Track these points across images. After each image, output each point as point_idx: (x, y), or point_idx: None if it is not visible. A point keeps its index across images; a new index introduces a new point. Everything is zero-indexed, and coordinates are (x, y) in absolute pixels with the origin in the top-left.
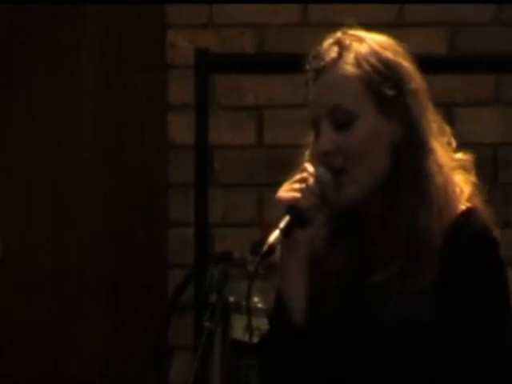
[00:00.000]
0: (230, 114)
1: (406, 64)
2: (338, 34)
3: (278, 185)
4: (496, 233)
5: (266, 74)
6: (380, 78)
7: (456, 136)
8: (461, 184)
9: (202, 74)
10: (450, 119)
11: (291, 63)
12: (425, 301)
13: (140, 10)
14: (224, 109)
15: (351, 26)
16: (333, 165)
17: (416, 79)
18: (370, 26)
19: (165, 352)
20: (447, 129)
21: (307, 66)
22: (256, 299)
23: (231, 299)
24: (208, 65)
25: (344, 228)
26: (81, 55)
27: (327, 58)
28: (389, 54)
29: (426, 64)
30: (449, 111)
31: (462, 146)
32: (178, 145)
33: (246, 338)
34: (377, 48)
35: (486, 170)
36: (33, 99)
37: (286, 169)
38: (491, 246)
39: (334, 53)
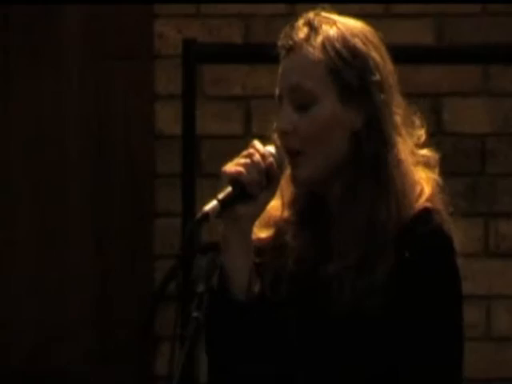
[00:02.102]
0: (218, 104)
1: (374, 54)
2: (310, 15)
3: (220, 179)
4: (450, 233)
5: (254, 64)
6: (344, 66)
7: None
8: (422, 182)
9: (189, 64)
10: (437, 110)
11: (278, 53)
12: (376, 295)
13: (128, 0)
14: (211, 99)
15: (326, 9)
16: (289, 145)
17: (382, 71)
18: (358, 17)
19: (151, 342)
20: (417, 123)
21: (278, 43)
22: None
23: None
24: (195, 55)
25: (310, 213)
26: (67, 45)
27: (296, 38)
28: (358, 42)
29: (414, 55)
30: (436, 102)
31: (448, 137)
32: (165, 135)
33: None
34: (346, 34)
35: (474, 161)
36: (14, 91)
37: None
38: (444, 247)
39: (302, 33)
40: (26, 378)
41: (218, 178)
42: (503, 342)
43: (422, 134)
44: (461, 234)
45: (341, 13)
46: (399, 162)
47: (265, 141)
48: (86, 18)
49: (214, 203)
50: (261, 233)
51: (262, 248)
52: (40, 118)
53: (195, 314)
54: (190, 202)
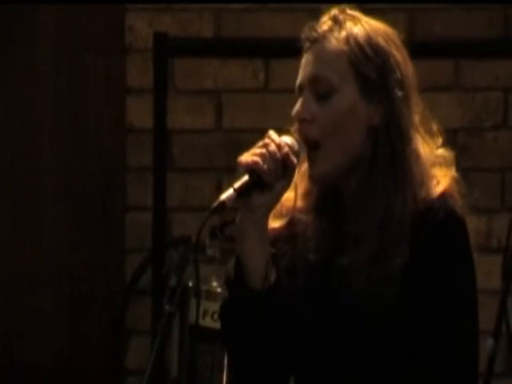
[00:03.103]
0: (189, 98)
1: (396, 53)
2: (336, 11)
3: (236, 169)
4: (465, 219)
5: (225, 58)
6: (366, 60)
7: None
8: (439, 177)
9: (160, 58)
10: None
11: (250, 47)
12: (392, 285)
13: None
14: (183, 93)
15: (350, 7)
16: (308, 134)
17: (403, 70)
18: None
19: (122, 336)
20: (434, 126)
21: (302, 36)
22: (215, 284)
23: (190, 284)
24: (167, 49)
25: (324, 205)
26: (38, 39)
27: (320, 30)
28: (380, 40)
29: None
30: None
31: None
32: (136, 129)
33: (204, 323)
34: (369, 31)
35: None
36: None
37: (244, 153)
38: (459, 232)
39: (326, 26)
40: None
41: (189, 172)
42: None
43: (438, 136)
44: None
45: (315, 9)
46: (417, 156)
47: (280, 132)
48: (57, 12)
49: (230, 192)
50: (274, 223)
51: (275, 238)
52: (11, 112)
53: (167, 308)
54: (161, 196)
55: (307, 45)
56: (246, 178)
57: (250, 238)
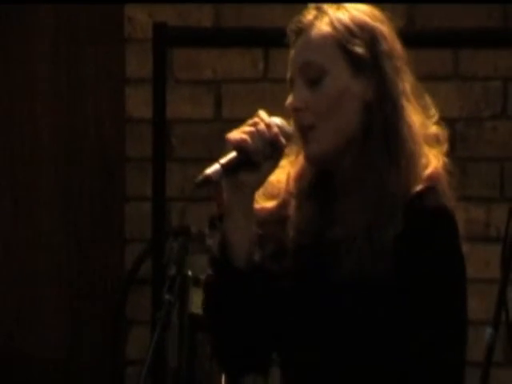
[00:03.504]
0: (188, 88)
1: (381, 26)
2: (319, 3)
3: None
4: (454, 210)
5: (225, 48)
6: (352, 37)
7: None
8: (430, 156)
9: (159, 48)
10: None
11: (249, 37)
12: (382, 262)
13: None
14: (182, 83)
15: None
16: (302, 122)
17: (390, 42)
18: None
19: (122, 326)
20: (427, 99)
21: (288, 30)
22: None
23: (189, 273)
24: (166, 39)
25: (316, 188)
26: (37, 29)
27: (304, 21)
28: (365, 17)
29: None
30: None
31: None
32: (135, 119)
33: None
34: (354, 12)
35: None
36: None
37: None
38: (447, 224)
39: (310, 15)
40: None
41: (188, 162)
42: (472, 326)
43: (432, 108)
44: None
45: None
46: (409, 126)
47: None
48: (57, 3)
49: (216, 167)
50: (265, 203)
51: (266, 219)
52: (11, 103)
53: (167, 297)
54: (161, 186)
55: (293, 38)
56: (233, 154)
57: (236, 216)
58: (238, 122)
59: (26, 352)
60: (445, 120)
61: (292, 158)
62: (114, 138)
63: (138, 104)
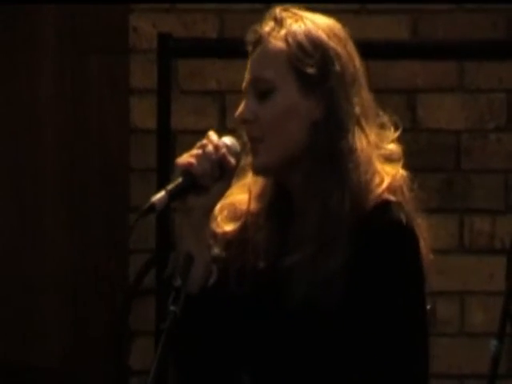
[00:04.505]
0: (193, 98)
1: (337, 47)
2: (277, 10)
3: (239, 170)
4: (411, 226)
5: (229, 59)
6: (304, 56)
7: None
8: (383, 174)
9: (164, 58)
10: (412, 106)
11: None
12: (332, 289)
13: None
14: (187, 93)
15: (295, 5)
16: (251, 134)
17: (344, 62)
18: (334, 13)
19: (126, 337)
20: (385, 119)
21: (246, 39)
22: None
23: None
24: (171, 49)
25: (276, 208)
26: (42, 39)
27: (261, 32)
28: (321, 34)
29: (389, 50)
30: (411, 98)
31: (423, 133)
32: (140, 129)
33: None
34: (310, 27)
35: (449, 157)
36: None
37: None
38: (402, 239)
39: (268, 27)
40: (0, 375)
41: None
42: (477, 338)
43: (390, 128)
44: (434, 230)
45: (315, 9)
46: (354, 149)
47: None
48: (61, 12)
49: (161, 194)
50: (227, 226)
51: (228, 241)
52: (16, 113)
53: (172, 308)
54: None
55: (250, 48)
56: (179, 179)
57: (188, 241)
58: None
59: (28, 362)
60: (449, 132)
61: (251, 178)
62: (118, 149)
63: (143, 114)
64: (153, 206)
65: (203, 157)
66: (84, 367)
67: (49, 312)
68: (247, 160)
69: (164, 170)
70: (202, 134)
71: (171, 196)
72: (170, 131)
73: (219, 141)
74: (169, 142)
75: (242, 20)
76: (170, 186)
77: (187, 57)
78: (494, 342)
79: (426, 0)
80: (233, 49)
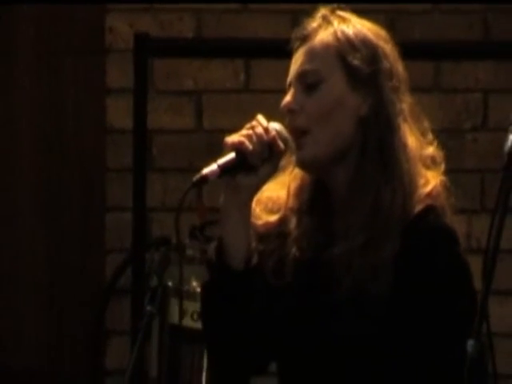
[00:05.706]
0: (169, 98)
1: (384, 45)
2: (326, 11)
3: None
4: (454, 228)
5: (206, 58)
6: (352, 50)
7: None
8: (428, 176)
9: (141, 58)
10: None
11: (230, 48)
12: (380, 279)
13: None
14: (163, 93)
15: (342, 9)
16: (296, 124)
17: (392, 61)
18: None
19: (101, 337)
20: (425, 123)
21: (292, 36)
22: (194, 283)
23: (170, 284)
24: (147, 49)
25: (315, 204)
26: (19, 39)
27: (309, 28)
28: (369, 34)
29: None
30: None
31: None
32: (116, 129)
33: (183, 323)
34: (358, 27)
35: None
36: None
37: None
38: (449, 240)
39: (315, 24)
40: None
41: (169, 173)
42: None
43: (429, 132)
44: None
45: (295, 11)
46: (404, 146)
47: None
48: (37, 12)
49: (213, 167)
50: (268, 217)
51: (266, 234)
52: None
53: (149, 308)
54: (141, 197)
55: (297, 44)
56: (231, 155)
57: (233, 219)
58: (218, 133)
59: (4, 363)
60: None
61: (289, 174)
62: (94, 148)
63: (119, 114)
64: (205, 178)
65: (254, 137)
66: (59, 367)
67: (24, 311)
68: (284, 160)
69: (140, 170)
70: (178, 133)
71: (223, 171)
72: (146, 131)
73: (269, 124)
74: (145, 141)
75: (219, 20)
76: (221, 161)
77: (164, 56)
78: (470, 342)
79: (403, 0)
80: (209, 48)
